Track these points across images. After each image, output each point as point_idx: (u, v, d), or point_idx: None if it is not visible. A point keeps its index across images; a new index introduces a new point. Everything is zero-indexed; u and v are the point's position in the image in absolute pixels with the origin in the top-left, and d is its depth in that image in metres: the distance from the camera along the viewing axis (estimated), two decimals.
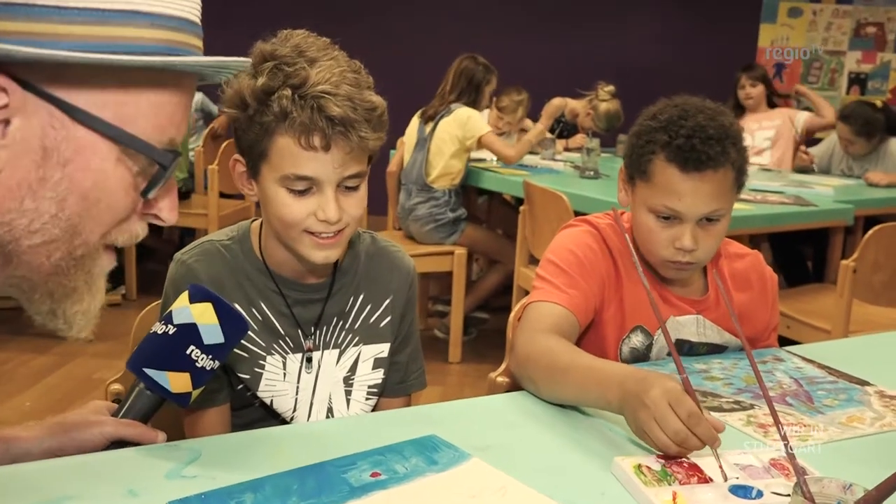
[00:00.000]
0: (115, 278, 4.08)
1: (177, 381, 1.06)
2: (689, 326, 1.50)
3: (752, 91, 4.93)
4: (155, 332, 1.09)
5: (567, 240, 1.51)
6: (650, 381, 1.07)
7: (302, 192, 1.19)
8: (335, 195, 1.19)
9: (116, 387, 1.38)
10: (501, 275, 4.06)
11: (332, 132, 1.14)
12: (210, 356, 1.08)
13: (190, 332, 1.07)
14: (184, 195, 4.30)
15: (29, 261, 0.70)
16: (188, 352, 1.06)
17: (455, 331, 3.84)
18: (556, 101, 5.15)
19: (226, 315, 1.09)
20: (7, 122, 0.64)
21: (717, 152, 1.36)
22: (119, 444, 1.06)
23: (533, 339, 1.34)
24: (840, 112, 4.43)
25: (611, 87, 4.66)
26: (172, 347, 1.07)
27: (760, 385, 0.85)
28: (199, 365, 1.07)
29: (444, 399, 1.44)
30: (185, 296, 1.10)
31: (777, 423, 0.85)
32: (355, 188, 1.22)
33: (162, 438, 1.07)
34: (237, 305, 1.30)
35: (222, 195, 4.34)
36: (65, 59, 0.61)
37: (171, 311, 1.09)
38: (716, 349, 1.54)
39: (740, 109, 4.99)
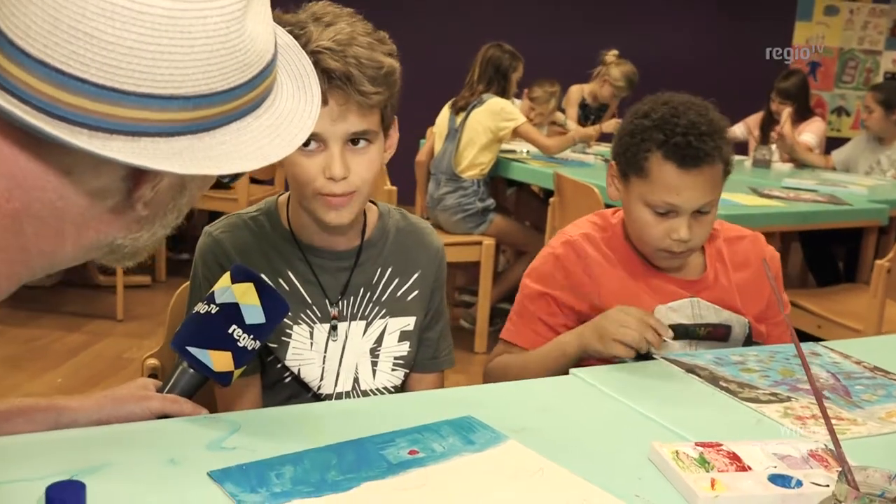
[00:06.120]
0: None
1: (219, 360, 1.08)
2: (684, 310, 1.53)
3: (780, 108, 4.78)
4: (198, 312, 1.11)
5: (532, 277, 1.58)
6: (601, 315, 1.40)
7: (309, 149, 1.21)
8: (342, 152, 1.21)
9: (152, 361, 1.39)
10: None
11: (329, 86, 1.15)
12: (251, 336, 1.10)
13: (232, 312, 1.09)
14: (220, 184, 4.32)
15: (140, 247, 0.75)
16: (230, 331, 1.08)
17: (482, 321, 3.84)
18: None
19: (267, 295, 1.11)
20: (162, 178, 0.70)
21: (711, 147, 1.43)
22: (164, 419, 1.08)
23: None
24: (872, 84, 4.39)
25: (614, 51, 4.63)
26: (215, 326, 1.09)
27: (808, 374, 0.84)
28: (240, 344, 1.09)
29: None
30: (227, 276, 1.12)
31: (823, 411, 0.85)
32: (364, 149, 1.23)
33: (205, 414, 1.09)
34: (264, 276, 1.32)
35: (252, 181, 4.35)
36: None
37: (213, 292, 1.11)
38: (716, 329, 1.55)
39: (772, 119, 4.86)
